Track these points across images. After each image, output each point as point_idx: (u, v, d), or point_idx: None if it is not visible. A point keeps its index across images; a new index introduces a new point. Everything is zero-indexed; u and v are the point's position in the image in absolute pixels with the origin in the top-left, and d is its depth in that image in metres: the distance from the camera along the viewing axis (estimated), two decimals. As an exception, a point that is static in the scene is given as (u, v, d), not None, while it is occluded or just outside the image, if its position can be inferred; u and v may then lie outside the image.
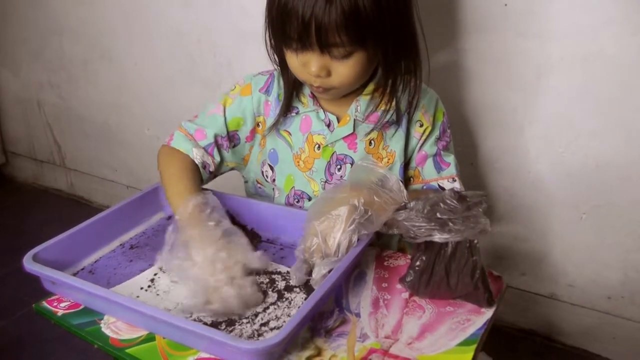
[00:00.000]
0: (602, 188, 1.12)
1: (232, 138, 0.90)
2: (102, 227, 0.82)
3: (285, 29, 0.73)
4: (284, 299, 0.70)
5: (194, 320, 0.66)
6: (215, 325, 0.66)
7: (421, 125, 0.88)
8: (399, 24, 0.76)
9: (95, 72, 1.74)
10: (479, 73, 1.14)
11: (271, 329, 0.65)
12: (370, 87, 0.84)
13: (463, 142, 1.18)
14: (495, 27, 1.08)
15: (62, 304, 0.71)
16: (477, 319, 0.68)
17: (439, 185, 0.89)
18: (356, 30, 0.70)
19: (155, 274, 0.76)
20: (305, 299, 0.69)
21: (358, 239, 0.72)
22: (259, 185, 0.95)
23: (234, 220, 0.81)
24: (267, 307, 0.69)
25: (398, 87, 0.83)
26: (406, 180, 0.91)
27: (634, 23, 0.97)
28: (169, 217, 0.91)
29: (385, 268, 0.78)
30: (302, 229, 0.74)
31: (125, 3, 1.55)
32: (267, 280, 0.74)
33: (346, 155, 0.87)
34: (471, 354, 0.62)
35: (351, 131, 0.86)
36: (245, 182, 0.98)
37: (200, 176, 0.86)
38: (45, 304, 0.71)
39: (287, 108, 0.88)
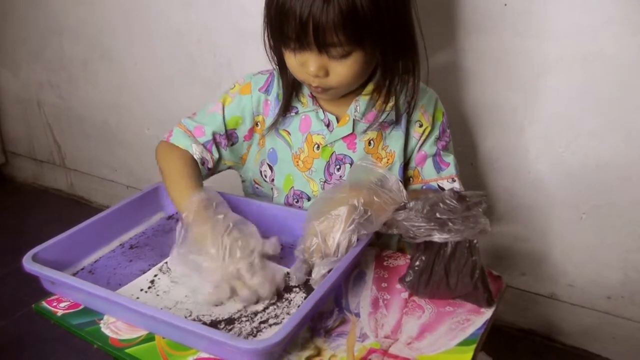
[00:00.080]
0: (602, 188, 1.12)
1: (230, 136, 0.90)
2: (102, 227, 0.82)
3: (283, 28, 0.73)
4: (284, 299, 0.70)
5: (194, 319, 0.66)
6: (214, 324, 0.66)
7: (420, 126, 0.88)
8: (397, 24, 0.76)
9: (95, 72, 1.74)
10: (478, 73, 1.14)
11: (270, 326, 0.65)
12: (370, 87, 0.84)
13: (463, 142, 1.18)
14: (495, 27, 1.08)
15: (62, 304, 0.71)
16: (476, 318, 0.68)
17: (438, 185, 0.89)
18: (354, 29, 0.70)
19: (155, 275, 0.76)
20: (305, 298, 0.68)
21: (358, 239, 0.72)
22: (256, 185, 0.95)
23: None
24: (267, 307, 0.69)
25: (397, 87, 0.83)
26: (406, 180, 0.91)
27: (634, 23, 0.97)
28: (169, 217, 0.91)
29: (385, 268, 0.78)
30: (302, 229, 0.74)
31: (125, 3, 1.55)
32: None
33: (345, 155, 0.87)
34: (471, 354, 0.62)
35: (350, 131, 0.86)
36: (243, 181, 0.98)
37: (200, 172, 0.86)
38: (44, 304, 0.71)
39: (286, 108, 0.88)
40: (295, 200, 0.90)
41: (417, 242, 0.69)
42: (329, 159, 0.88)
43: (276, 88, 0.89)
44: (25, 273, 0.70)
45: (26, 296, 1.22)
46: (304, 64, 0.76)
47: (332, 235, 0.71)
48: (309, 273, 0.71)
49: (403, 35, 0.78)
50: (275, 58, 0.83)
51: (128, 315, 0.67)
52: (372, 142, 0.87)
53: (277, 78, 0.89)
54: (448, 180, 0.89)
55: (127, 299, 0.66)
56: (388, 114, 0.85)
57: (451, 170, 0.89)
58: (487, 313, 0.69)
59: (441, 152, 0.90)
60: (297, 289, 0.72)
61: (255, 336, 0.64)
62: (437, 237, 0.67)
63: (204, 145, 0.87)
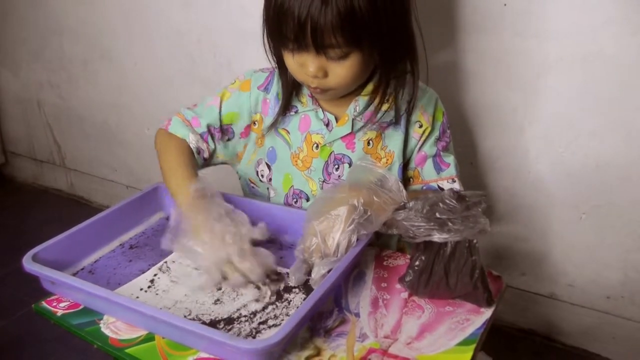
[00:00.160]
0: (602, 188, 1.12)
1: (226, 131, 0.91)
2: (102, 227, 0.82)
3: (282, 29, 0.73)
4: (283, 299, 0.70)
5: (193, 319, 0.66)
6: (214, 324, 0.66)
7: (420, 126, 0.88)
8: (396, 26, 0.75)
9: (95, 72, 1.74)
10: (478, 73, 1.14)
11: (269, 327, 0.65)
12: (370, 87, 0.84)
13: (463, 142, 1.18)
14: (495, 27, 1.08)
15: (62, 304, 0.71)
16: (476, 318, 0.68)
17: (438, 186, 0.89)
18: (352, 31, 0.70)
19: (155, 275, 0.76)
20: (305, 299, 0.69)
21: (357, 239, 0.72)
22: (252, 184, 0.95)
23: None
24: (266, 307, 0.69)
25: (396, 88, 0.83)
26: (406, 180, 0.91)
27: (634, 23, 0.97)
28: (168, 218, 0.91)
29: (385, 268, 0.78)
30: (302, 229, 0.74)
31: (125, 3, 1.55)
32: (267, 280, 0.74)
33: (344, 155, 0.87)
34: (470, 354, 0.62)
35: (349, 131, 0.86)
36: (239, 178, 0.98)
37: (195, 161, 0.88)
38: (44, 304, 0.71)
39: (286, 107, 0.88)
40: (295, 200, 0.90)
41: (417, 242, 0.70)
42: (328, 159, 0.88)
43: (276, 87, 0.89)
44: (25, 273, 0.70)
45: (26, 296, 1.22)
46: (303, 64, 0.76)
47: (332, 235, 0.71)
48: (309, 273, 0.71)
49: (402, 36, 0.78)
50: (274, 58, 0.83)
51: (128, 315, 0.67)
52: (371, 142, 0.87)
53: (278, 77, 0.89)
54: (448, 180, 0.89)
55: (127, 298, 0.66)
56: (386, 114, 0.85)
57: (451, 170, 0.89)
58: (487, 313, 0.69)
59: (441, 153, 0.90)
60: (297, 290, 0.72)
61: (254, 337, 0.64)
62: (437, 237, 0.67)
63: (200, 135, 0.89)
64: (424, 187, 0.89)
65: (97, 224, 0.81)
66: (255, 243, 0.74)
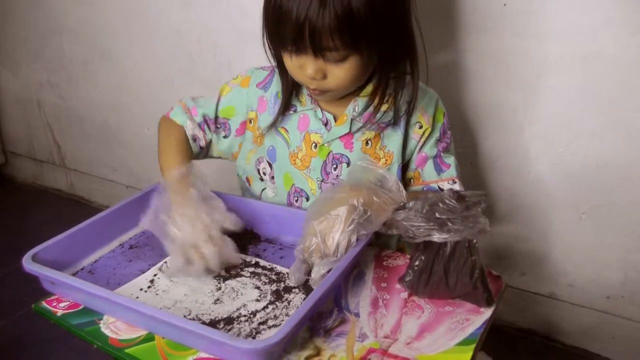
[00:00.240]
0: (602, 188, 1.12)
1: (222, 126, 0.93)
2: (102, 227, 0.82)
3: (280, 31, 0.73)
4: (283, 299, 0.70)
5: (193, 319, 0.67)
6: (213, 324, 0.66)
7: (420, 127, 0.88)
8: (395, 28, 0.75)
9: (95, 72, 1.74)
10: (478, 73, 1.14)
11: (269, 327, 0.65)
12: (369, 87, 0.84)
13: (463, 142, 1.18)
14: (495, 27, 1.08)
15: (62, 304, 0.71)
16: (476, 318, 0.68)
17: (439, 187, 0.88)
18: (350, 34, 0.70)
19: (154, 275, 0.76)
20: (304, 299, 0.69)
21: (357, 239, 0.72)
22: (247, 184, 0.95)
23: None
24: (266, 307, 0.69)
25: (395, 89, 0.83)
26: (406, 181, 0.91)
27: (633, 23, 0.97)
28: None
29: (385, 268, 0.78)
30: (302, 229, 0.74)
31: (125, 3, 1.55)
32: (267, 280, 0.74)
33: (342, 154, 0.87)
34: (470, 354, 0.62)
35: (347, 131, 0.86)
36: (237, 175, 0.99)
37: (190, 148, 0.91)
38: (44, 304, 0.71)
39: (285, 107, 0.88)
40: (296, 198, 0.90)
41: (417, 242, 0.70)
42: (326, 158, 0.88)
43: (275, 85, 0.89)
44: (25, 273, 0.71)
45: (26, 296, 1.23)
46: (302, 66, 0.76)
47: (332, 235, 0.71)
48: (309, 273, 0.71)
49: (401, 37, 0.78)
50: (274, 59, 0.83)
51: (128, 315, 0.67)
52: (369, 142, 0.87)
53: (278, 76, 0.89)
54: (449, 181, 0.89)
55: (126, 298, 0.66)
56: (385, 114, 0.85)
57: (452, 171, 0.89)
58: (487, 313, 0.69)
59: (442, 154, 0.89)
60: (297, 290, 0.72)
61: (254, 337, 0.64)
62: (437, 237, 0.67)
63: (198, 124, 0.92)
64: (425, 188, 0.89)
65: (97, 224, 0.81)
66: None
